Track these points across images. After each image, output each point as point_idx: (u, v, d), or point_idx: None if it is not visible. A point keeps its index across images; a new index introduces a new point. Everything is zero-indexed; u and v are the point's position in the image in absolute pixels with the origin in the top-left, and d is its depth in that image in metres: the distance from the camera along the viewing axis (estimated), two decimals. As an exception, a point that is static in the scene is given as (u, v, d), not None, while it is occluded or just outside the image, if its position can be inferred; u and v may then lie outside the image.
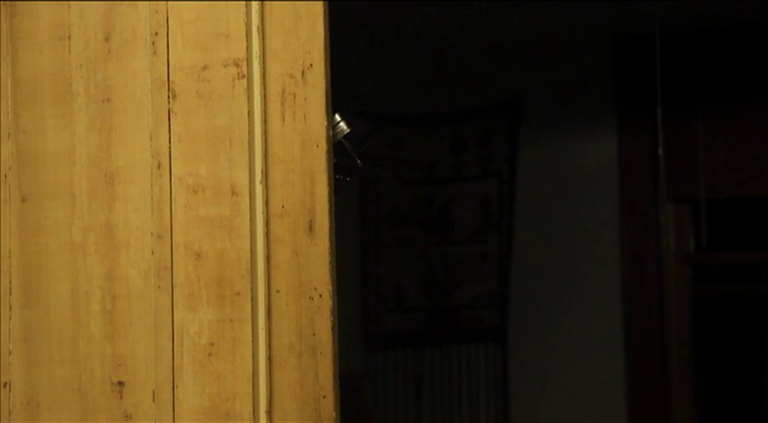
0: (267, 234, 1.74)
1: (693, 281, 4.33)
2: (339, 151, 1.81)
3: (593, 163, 4.37)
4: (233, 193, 1.74)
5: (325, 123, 1.73)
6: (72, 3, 1.81)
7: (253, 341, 1.72)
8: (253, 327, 1.72)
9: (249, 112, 1.74)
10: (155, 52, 1.78)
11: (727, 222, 4.46)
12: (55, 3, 1.82)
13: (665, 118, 3.87)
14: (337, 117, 1.81)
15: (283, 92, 1.75)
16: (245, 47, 1.75)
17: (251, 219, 1.73)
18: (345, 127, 1.81)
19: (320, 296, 1.72)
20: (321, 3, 1.74)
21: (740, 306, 4.79)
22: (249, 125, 1.74)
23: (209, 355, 1.73)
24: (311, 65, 1.74)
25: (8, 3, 1.84)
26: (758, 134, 4.20)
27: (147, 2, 1.78)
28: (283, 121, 1.74)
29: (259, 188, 1.74)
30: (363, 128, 1.83)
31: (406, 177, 4.64)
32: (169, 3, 1.78)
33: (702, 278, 4.39)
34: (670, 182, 4.09)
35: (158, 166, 1.77)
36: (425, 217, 4.61)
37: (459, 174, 4.58)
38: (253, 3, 1.75)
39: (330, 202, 1.73)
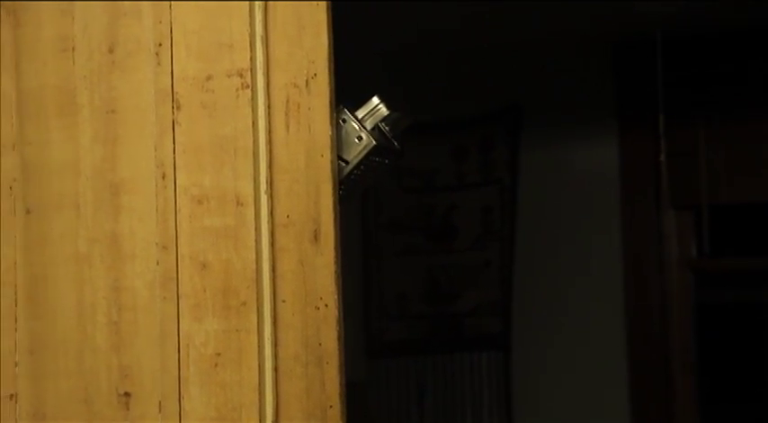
0: (272, 244, 1.74)
1: (696, 287, 4.32)
2: (378, 134, 1.82)
3: (595, 169, 4.37)
4: (238, 203, 1.74)
5: (330, 133, 1.73)
6: (76, 14, 1.82)
7: (259, 351, 1.72)
8: (259, 337, 1.72)
9: (253, 123, 1.74)
10: (159, 63, 1.78)
11: (729, 228, 4.46)
12: (59, 14, 1.82)
13: (666, 124, 3.87)
14: (376, 100, 1.82)
15: (287, 102, 1.75)
16: (248, 57, 1.75)
17: (256, 229, 1.73)
18: (385, 110, 1.82)
19: (326, 306, 1.72)
20: (325, 12, 1.74)
21: (743, 312, 4.78)
22: (253, 135, 1.74)
23: (216, 365, 1.73)
24: (315, 74, 1.74)
25: (12, 14, 1.84)
26: (760, 140, 4.20)
27: (151, 12, 1.78)
28: (288, 130, 1.74)
29: (264, 198, 1.74)
30: (398, 110, 1.85)
31: (408, 185, 4.63)
32: (173, 14, 1.78)
33: (705, 285, 4.39)
34: (672, 188, 4.09)
35: (163, 177, 1.77)
36: (427, 225, 4.61)
37: (460, 181, 4.58)
38: (256, 13, 1.75)
39: (335, 211, 1.73)
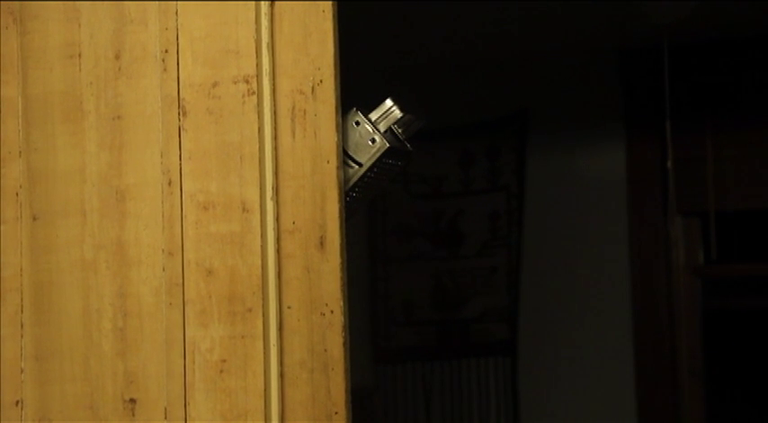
0: (278, 250, 1.73)
1: (703, 293, 4.32)
2: (391, 136, 1.82)
3: (602, 176, 4.37)
4: (244, 209, 1.74)
5: (336, 139, 1.73)
6: (82, 21, 1.82)
7: (264, 358, 1.72)
8: (264, 343, 1.72)
9: (259, 129, 1.74)
10: (165, 69, 1.78)
11: (736, 235, 4.46)
12: (65, 21, 1.83)
13: (673, 130, 3.87)
14: (389, 102, 1.82)
15: (293, 108, 1.75)
16: (254, 64, 1.75)
17: (262, 235, 1.73)
18: (398, 112, 1.82)
19: (332, 312, 1.72)
20: (330, 19, 1.74)
21: (750, 318, 4.78)
22: (260, 142, 1.74)
23: (221, 371, 1.73)
24: (321, 81, 1.74)
25: (18, 21, 1.84)
26: (767, 146, 4.20)
27: (158, 19, 1.79)
28: (293, 137, 1.74)
29: (270, 204, 1.74)
30: (409, 112, 1.85)
31: (415, 191, 4.64)
32: (179, 20, 1.78)
33: (712, 291, 4.39)
34: (679, 194, 4.09)
35: (169, 183, 1.77)
36: (434, 231, 4.62)
37: (467, 187, 4.59)
38: (262, 20, 1.75)
39: (341, 217, 1.73)
